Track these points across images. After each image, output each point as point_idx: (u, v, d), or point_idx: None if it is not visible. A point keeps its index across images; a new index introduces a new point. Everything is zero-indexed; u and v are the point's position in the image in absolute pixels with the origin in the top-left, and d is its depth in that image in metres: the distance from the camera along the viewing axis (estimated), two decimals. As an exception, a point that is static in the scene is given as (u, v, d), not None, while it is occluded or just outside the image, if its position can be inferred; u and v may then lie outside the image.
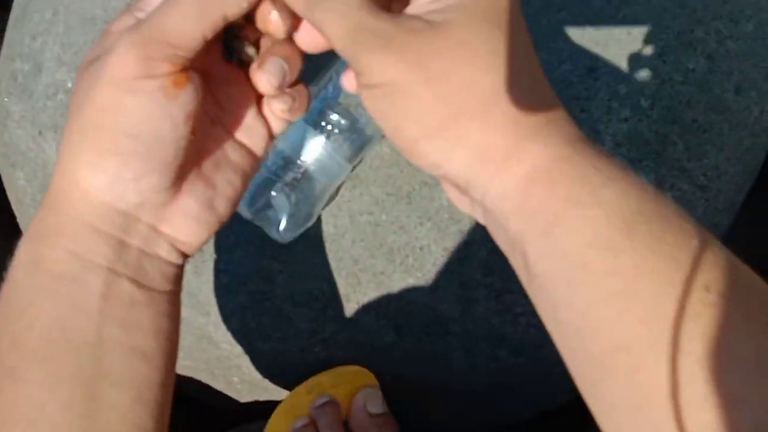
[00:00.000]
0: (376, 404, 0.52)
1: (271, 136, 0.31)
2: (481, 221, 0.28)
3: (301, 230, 0.49)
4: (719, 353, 0.20)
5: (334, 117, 0.43)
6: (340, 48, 0.26)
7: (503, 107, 0.23)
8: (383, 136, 0.47)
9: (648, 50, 0.51)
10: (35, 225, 0.28)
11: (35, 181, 0.53)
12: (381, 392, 0.52)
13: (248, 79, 0.29)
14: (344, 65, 0.43)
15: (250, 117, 0.30)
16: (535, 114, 0.24)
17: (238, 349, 0.54)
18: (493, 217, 0.25)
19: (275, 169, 0.43)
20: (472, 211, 0.28)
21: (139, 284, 0.27)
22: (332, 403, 0.51)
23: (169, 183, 0.27)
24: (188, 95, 0.26)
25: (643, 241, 0.22)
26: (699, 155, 0.52)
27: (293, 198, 0.42)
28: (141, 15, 0.27)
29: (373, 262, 0.51)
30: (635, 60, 0.51)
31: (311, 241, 0.51)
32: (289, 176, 0.42)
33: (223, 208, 0.29)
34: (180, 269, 0.30)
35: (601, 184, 0.23)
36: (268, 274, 0.51)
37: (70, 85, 0.51)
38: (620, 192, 0.23)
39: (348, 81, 0.28)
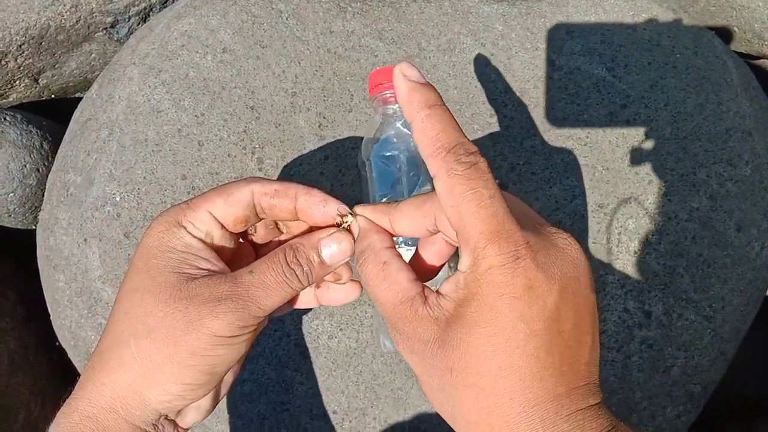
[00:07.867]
0: None
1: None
2: None
3: None
4: None
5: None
6: None
7: None
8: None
9: (654, 189, 0.55)
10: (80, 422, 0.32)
11: (74, 284, 0.55)
12: None
13: None
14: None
15: None
16: None
17: (255, 459, 0.54)
18: None
19: None
20: None
21: None
22: None
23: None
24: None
25: None
26: (705, 287, 0.54)
27: None
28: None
29: (392, 378, 0.53)
30: (642, 198, 0.55)
31: (333, 354, 0.53)
32: None
33: (222, 395, 0.36)
34: None
35: None
36: (289, 385, 0.53)
37: (118, 198, 0.54)
38: None
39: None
